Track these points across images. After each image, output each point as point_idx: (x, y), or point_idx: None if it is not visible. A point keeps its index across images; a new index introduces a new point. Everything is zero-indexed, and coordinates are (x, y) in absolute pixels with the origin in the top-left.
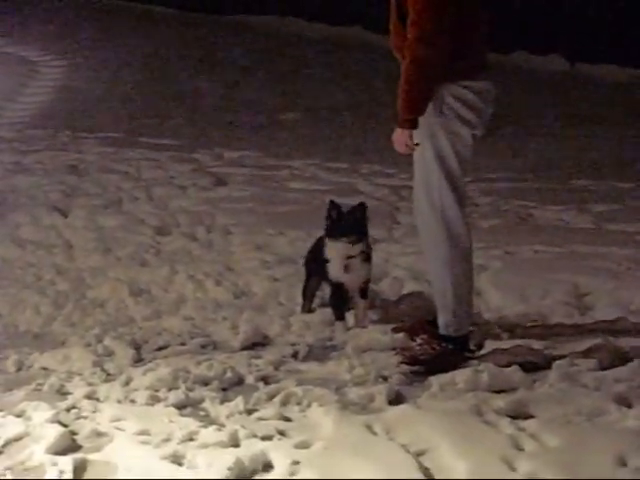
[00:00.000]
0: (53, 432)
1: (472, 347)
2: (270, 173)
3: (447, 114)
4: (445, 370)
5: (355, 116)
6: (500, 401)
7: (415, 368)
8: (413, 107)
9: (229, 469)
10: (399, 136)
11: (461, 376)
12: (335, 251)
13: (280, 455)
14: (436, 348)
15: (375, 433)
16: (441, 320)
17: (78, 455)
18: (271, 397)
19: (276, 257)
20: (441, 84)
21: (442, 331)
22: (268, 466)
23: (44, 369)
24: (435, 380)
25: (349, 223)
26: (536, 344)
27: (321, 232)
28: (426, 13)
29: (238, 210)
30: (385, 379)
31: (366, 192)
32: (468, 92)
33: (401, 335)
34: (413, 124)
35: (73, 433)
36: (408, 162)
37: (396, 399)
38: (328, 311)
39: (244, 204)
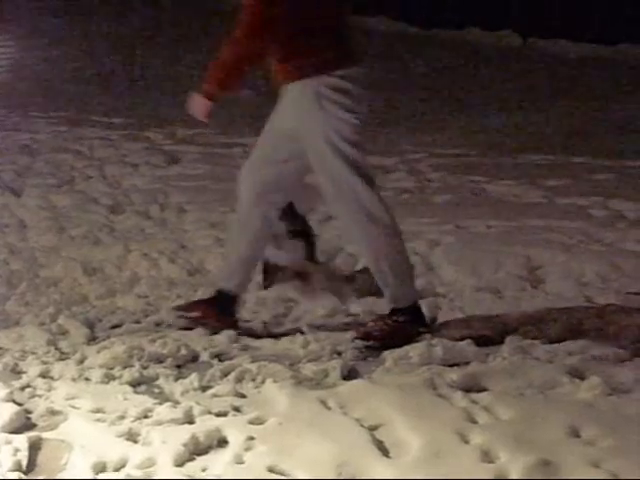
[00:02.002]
0: (7, 411)
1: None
2: (223, 151)
3: (327, 107)
4: (399, 345)
5: None
6: (453, 374)
7: (369, 343)
8: (225, 84)
9: (184, 445)
10: (200, 104)
11: (415, 350)
12: None
13: (235, 431)
14: (389, 323)
15: (329, 408)
16: (387, 295)
17: (33, 433)
18: (225, 374)
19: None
20: (313, 79)
21: (392, 305)
22: (223, 442)
23: None
24: (389, 355)
25: None
26: (489, 318)
27: None
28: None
29: (191, 188)
30: (339, 354)
31: None
32: (344, 81)
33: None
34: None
35: (27, 412)
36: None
37: (350, 374)
38: (283, 288)
39: (197, 182)
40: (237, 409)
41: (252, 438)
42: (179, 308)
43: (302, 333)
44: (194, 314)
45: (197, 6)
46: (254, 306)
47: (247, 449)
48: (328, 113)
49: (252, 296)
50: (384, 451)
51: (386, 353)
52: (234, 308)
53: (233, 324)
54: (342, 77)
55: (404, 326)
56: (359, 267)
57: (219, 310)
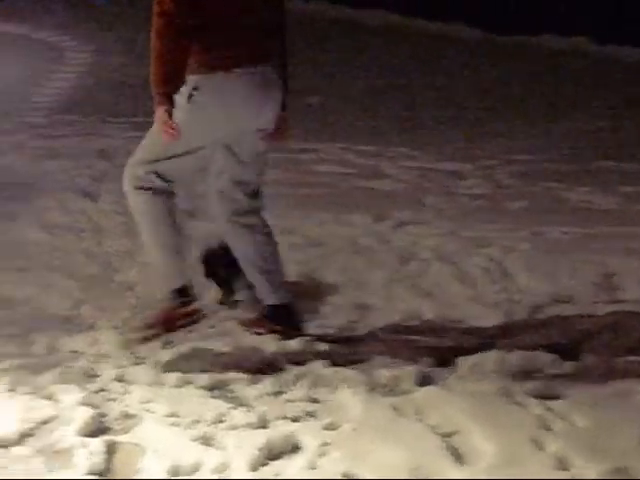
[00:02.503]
0: (83, 414)
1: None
2: (297, 156)
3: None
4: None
5: (381, 99)
6: (528, 382)
7: None
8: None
9: (258, 450)
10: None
11: (489, 357)
12: None
13: (309, 436)
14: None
15: (404, 414)
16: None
17: (108, 437)
18: (300, 379)
19: (304, 240)
20: (193, 75)
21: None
22: (297, 447)
23: (73, 352)
24: (464, 362)
25: None
26: (565, 325)
27: (350, 214)
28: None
29: (265, 193)
30: (414, 361)
31: (392, 175)
32: (223, 81)
33: None
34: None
35: (102, 415)
36: (433, 144)
37: (424, 381)
38: (358, 294)
39: (271, 188)
40: (311, 414)
41: (326, 444)
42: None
43: (377, 339)
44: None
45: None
46: (329, 312)
47: (321, 455)
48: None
49: (326, 302)
50: (458, 458)
51: (460, 360)
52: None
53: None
54: (223, 77)
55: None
56: (431, 272)
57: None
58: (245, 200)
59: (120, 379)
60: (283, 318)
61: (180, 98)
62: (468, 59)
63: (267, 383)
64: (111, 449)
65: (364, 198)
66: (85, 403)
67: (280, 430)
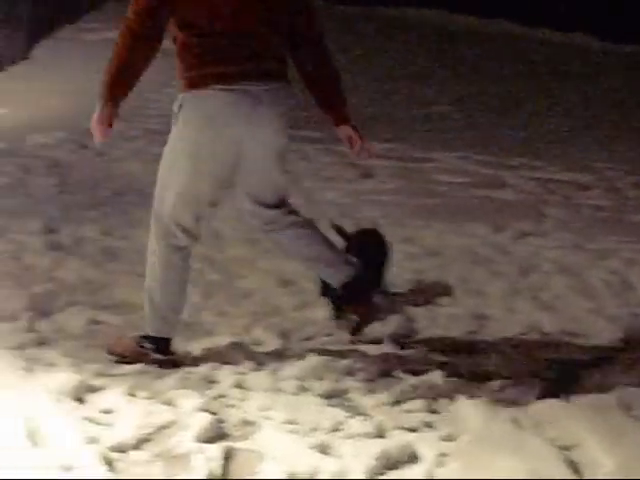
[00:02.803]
0: (201, 420)
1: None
2: (416, 165)
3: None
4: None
5: (503, 109)
6: None
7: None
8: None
9: (375, 459)
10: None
11: (610, 372)
12: None
13: (426, 447)
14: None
15: (522, 427)
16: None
17: (226, 443)
18: (418, 389)
19: (422, 249)
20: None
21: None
22: (414, 457)
23: (193, 358)
24: (584, 375)
25: None
26: None
27: (469, 223)
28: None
29: (384, 202)
30: (534, 373)
31: (513, 185)
32: (205, 99)
33: None
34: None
35: (221, 421)
36: (554, 154)
37: (544, 394)
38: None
39: (390, 196)
40: (429, 425)
41: (444, 454)
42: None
43: (496, 350)
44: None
45: (407, 27)
46: (446, 322)
47: (438, 465)
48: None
49: (444, 312)
50: (576, 471)
51: (581, 373)
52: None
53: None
54: (214, 92)
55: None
56: (552, 285)
57: None
58: (272, 212)
59: (239, 385)
60: (354, 294)
61: (173, 118)
62: (590, 68)
63: (385, 393)
64: (229, 455)
65: (484, 208)
66: (204, 409)
67: (397, 440)
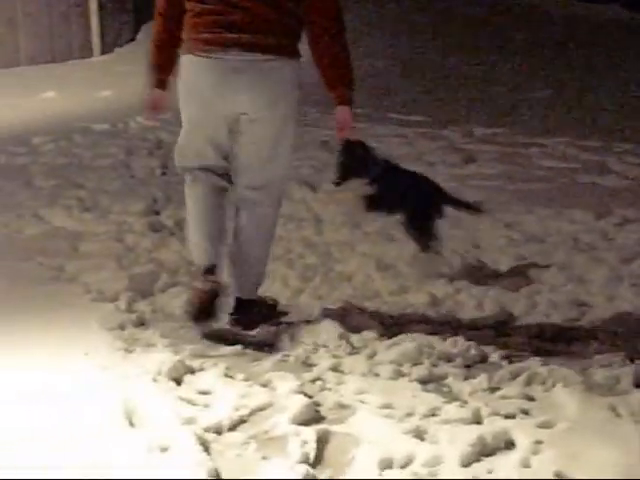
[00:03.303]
0: (297, 403)
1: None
2: (520, 151)
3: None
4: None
5: (609, 94)
6: None
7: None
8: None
9: (471, 445)
10: (351, 116)
11: None
12: None
13: (523, 434)
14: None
15: (620, 415)
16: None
17: (321, 426)
18: (515, 376)
19: (524, 235)
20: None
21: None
22: (510, 444)
23: (291, 341)
24: None
25: None
26: None
27: (571, 209)
28: None
29: (487, 187)
30: (632, 361)
31: (617, 171)
32: (193, 63)
33: None
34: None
35: (317, 404)
36: None
37: None
38: (574, 292)
39: (493, 181)
40: (525, 412)
41: (540, 442)
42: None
43: (595, 338)
44: None
45: (519, 13)
46: (546, 309)
47: (534, 453)
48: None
49: (544, 298)
50: None
51: None
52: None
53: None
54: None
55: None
56: None
57: None
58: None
59: (335, 369)
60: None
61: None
62: None
63: (482, 379)
64: (324, 438)
65: (587, 194)
66: (300, 392)
67: (494, 426)
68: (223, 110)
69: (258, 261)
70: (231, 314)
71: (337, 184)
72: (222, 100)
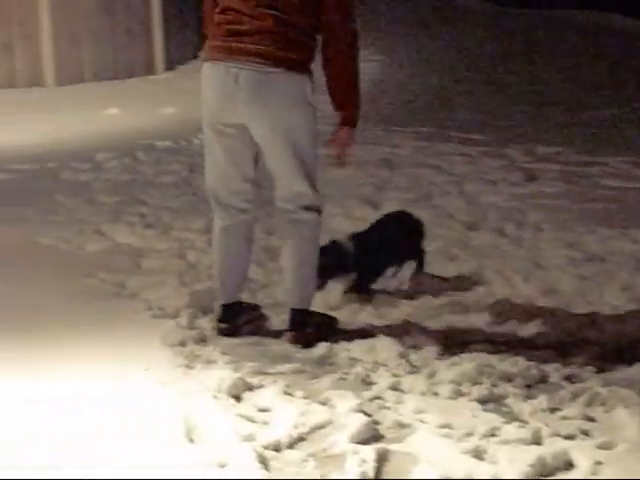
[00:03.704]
0: (357, 421)
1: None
2: (582, 169)
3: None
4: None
5: None
6: None
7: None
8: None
9: (530, 466)
10: (352, 136)
11: None
12: None
13: (582, 455)
14: None
15: None
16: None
17: (380, 445)
18: (575, 396)
19: (585, 255)
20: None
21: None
22: (570, 465)
23: (350, 359)
24: None
25: None
26: None
27: (634, 229)
28: None
29: (549, 206)
30: None
31: None
32: (205, 71)
33: None
34: None
35: (376, 423)
36: None
37: None
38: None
39: (555, 200)
40: (586, 433)
41: (600, 463)
42: None
43: None
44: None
45: (570, 26)
46: (609, 329)
47: (594, 474)
48: None
49: (605, 320)
50: None
51: None
52: None
53: None
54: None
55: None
56: None
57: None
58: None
59: (395, 388)
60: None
61: None
62: None
63: (542, 399)
64: (383, 457)
65: None
66: (359, 410)
67: (554, 447)
68: (225, 118)
69: (303, 271)
70: (288, 330)
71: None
72: (221, 108)
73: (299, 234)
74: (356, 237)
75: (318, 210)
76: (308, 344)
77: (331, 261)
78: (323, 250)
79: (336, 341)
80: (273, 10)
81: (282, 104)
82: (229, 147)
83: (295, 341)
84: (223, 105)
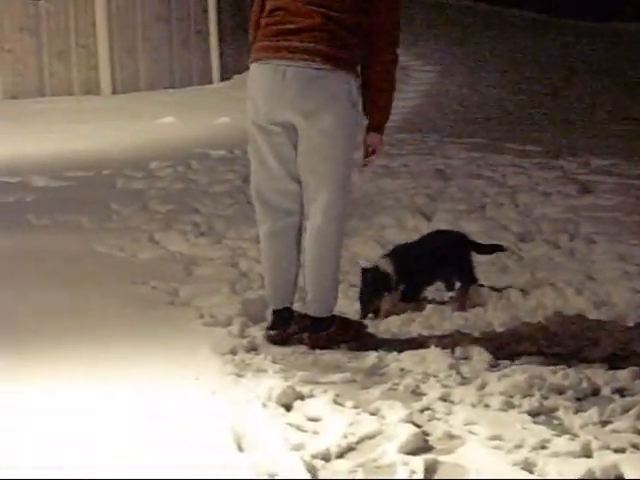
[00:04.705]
0: (406, 432)
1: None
2: (637, 182)
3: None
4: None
5: None
6: None
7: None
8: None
9: (580, 479)
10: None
11: None
12: None
13: (632, 468)
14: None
15: None
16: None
17: (429, 456)
18: (626, 410)
19: (638, 268)
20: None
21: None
22: (619, 478)
23: (401, 369)
24: None
25: None
26: None
27: None
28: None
29: (602, 219)
30: None
31: None
32: (253, 71)
33: None
34: None
35: (425, 434)
36: None
37: None
38: None
39: (609, 213)
40: (636, 446)
41: None
42: None
43: None
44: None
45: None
46: None
47: None
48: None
49: None
50: None
51: None
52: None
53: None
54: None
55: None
56: None
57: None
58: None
59: (445, 399)
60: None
61: None
62: None
63: (593, 412)
64: (432, 468)
65: None
66: (409, 421)
67: (603, 460)
68: (272, 116)
69: (321, 280)
70: (307, 332)
71: (364, 317)
72: (269, 105)
73: (315, 240)
74: (394, 252)
75: (338, 220)
76: (324, 347)
77: (374, 291)
78: (364, 278)
79: (387, 351)
80: (323, 8)
81: (323, 100)
82: (276, 145)
83: (311, 344)
84: (271, 102)
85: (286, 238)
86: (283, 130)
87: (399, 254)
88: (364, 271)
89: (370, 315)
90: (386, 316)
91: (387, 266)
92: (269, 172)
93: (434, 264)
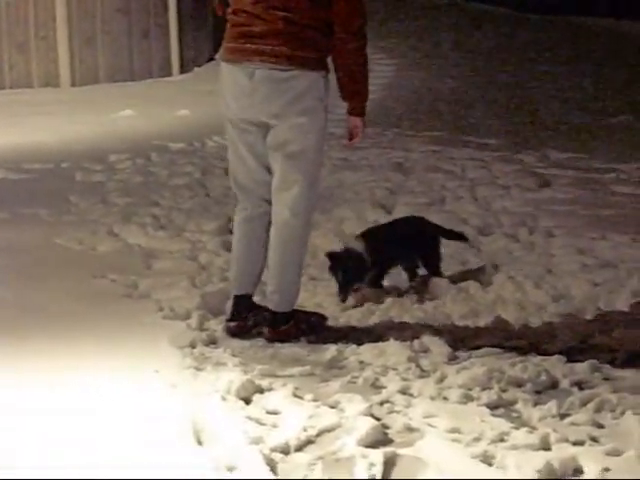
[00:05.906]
0: (365, 425)
1: None
2: (596, 176)
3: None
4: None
5: None
6: None
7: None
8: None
9: (538, 472)
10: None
11: None
12: None
13: (591, 461)
14: None
15: None
16: None
17: (389, 449)
18: (585, 403)
19: (597, 261)
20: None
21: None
22: (578, 471)
23: (360, 362)
24: None
25: None
26: None
27: None
28: None
29: (561, 212)
30: None
31: None
32: (222, 71)
33: None
34: None
35: (385, 427)
36: None
37: None
38: None
39: (568, 206)
40: (594, 439)
41: (608, 469)
42: None
43: None
44: None
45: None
46: (619, 336)
47: None
48: None
49: (616, 327)
50: None
51: None
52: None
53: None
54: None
55: None
56: None
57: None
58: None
59: (404, 392)
60: None
61: None
62: None
63: (552, 405)
64: (391, 461)
65: None
66: (368, 414)
67: (562, 453)
68: (244, 116)
69: (284, 274)
70: (267, 325)
71: (343, 300)
72: (239, 106)
73: (279, 234)
74: (367, 233)
75: (305, 215)
76: (283, 341)
77: (349, 276)
78: (339, 262)
79: (346, 344)
80: (284, 12)
81: (292, 99)
82: (249, 142)
83: (270, 337)
84: (241, 103)
85: (260, 224)
86: (256, 128)
87: (371, 235)
88: (333, 255)
89: (350, 300)
90: (364, 301)
91: (360, 247)
92: (244, 164)
93: (402, 248)
